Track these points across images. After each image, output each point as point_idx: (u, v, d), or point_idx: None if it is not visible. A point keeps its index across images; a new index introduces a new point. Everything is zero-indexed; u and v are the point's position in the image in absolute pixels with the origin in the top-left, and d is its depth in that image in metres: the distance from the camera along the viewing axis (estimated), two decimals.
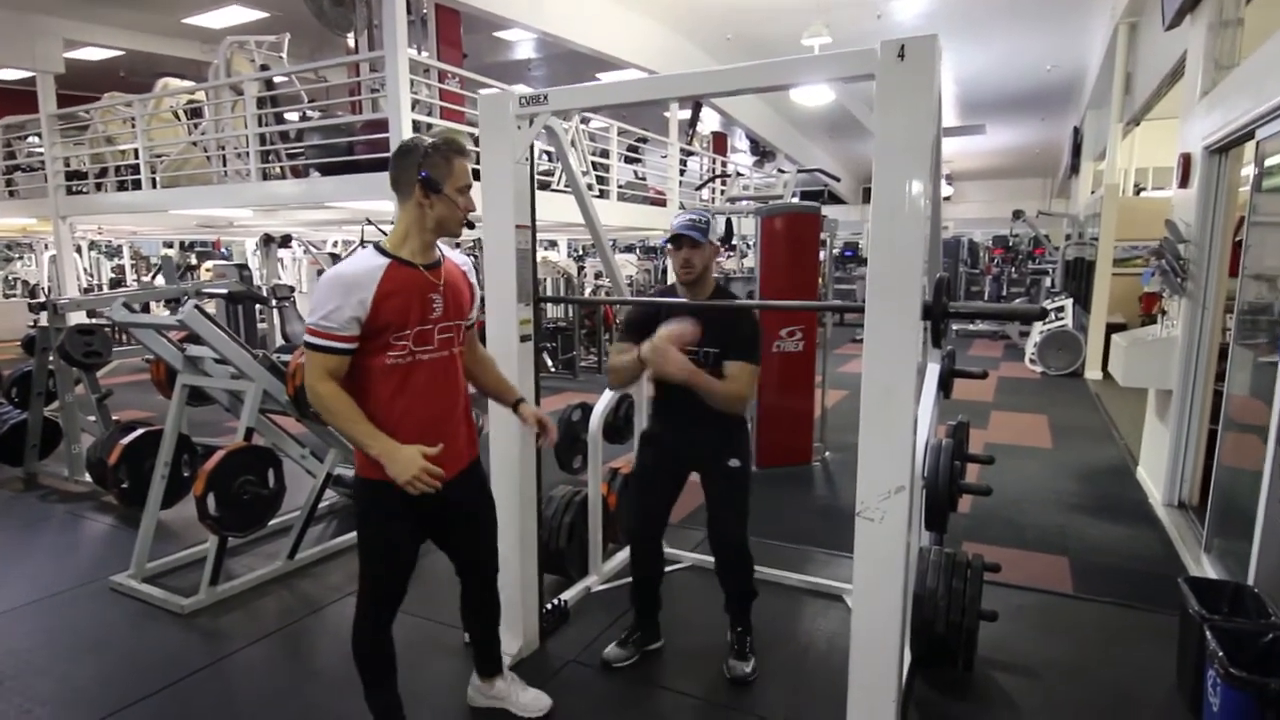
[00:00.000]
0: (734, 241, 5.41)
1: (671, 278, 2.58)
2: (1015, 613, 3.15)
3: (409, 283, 1.97)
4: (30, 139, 9.76)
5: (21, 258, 14.29)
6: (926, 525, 2.63)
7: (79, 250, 13.44)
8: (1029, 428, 6.41)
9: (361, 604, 2.16)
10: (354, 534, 3.96)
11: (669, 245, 2.50)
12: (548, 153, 8.17)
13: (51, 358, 4.64)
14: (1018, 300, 12.88)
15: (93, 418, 4.86)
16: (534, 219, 2.67)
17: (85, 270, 12.56)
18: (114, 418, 4.84)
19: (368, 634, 2.17)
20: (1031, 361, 9.34)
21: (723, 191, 9.65)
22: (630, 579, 2.82)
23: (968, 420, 3.07)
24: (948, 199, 21.12)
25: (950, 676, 2.63)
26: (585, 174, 8.23)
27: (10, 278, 14.53)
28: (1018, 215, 12.04)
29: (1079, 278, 10.21)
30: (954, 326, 13.51)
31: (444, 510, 2.13)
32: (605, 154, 8.89)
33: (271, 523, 3.82)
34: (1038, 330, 9.48)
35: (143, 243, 16.13)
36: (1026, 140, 16.59)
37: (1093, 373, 8.63)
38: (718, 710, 2.51)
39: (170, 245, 17.21)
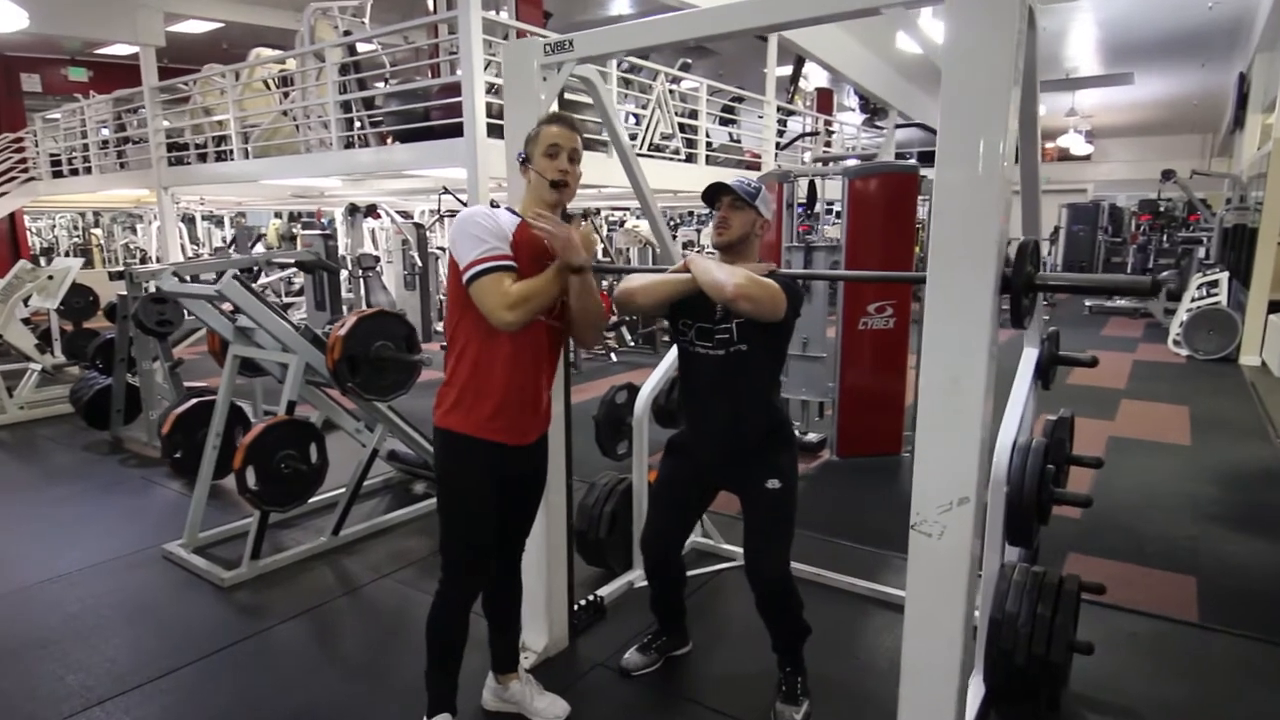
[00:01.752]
0: (818, 208, 5.04)
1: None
2: (1124, 642, 2.77)
3: (533, 243, 2.03)
4: (141, 111, 10.40)
5: (133, 228, 15.38)
6: (1009, 539, 2.31)
7: (192, 221, 14.36)
8: (1165, 420, 5.76)
9: (445, 578, 2.14)
10: (403, 511, 3.99)
11: (706, 200, 2.24)
12: (636, 115, 8.00)
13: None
14: (1166, 273, 11.72)
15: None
16: None
17: (194, 240, 13.35)
18: (186, 385, 5.05)
19: (448, 611, 2.15)
20: (1176, 343, 8.46)
21: (810, 149, 9.16)
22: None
23: (1071, 415, 2.69)
24: (1087, 158, 19.48)
25: (1032, 716, 2.32)
26: (671, 136, 7.97)
27: (132, 246, 15.67)
28: (1167, 176, 10.87)
29: (1238, 248, 9.14)
30: (1087, 303, 12.50)
31: (516, 477, 2.17)
32: (694, 114, 8.59)
33: (324, 495, 3.89)
34: (1185, 308, 8.57)
35: (251, 213, 17.06)
36: (1182, 90, 14.96)
37: (1249, 358, 7.70)
38: None
39: (279, 215, 18.18)
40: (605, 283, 8.33)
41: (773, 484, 2.24)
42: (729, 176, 2.27)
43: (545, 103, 2.38)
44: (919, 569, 1.79)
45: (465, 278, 1.94)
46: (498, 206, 2.07)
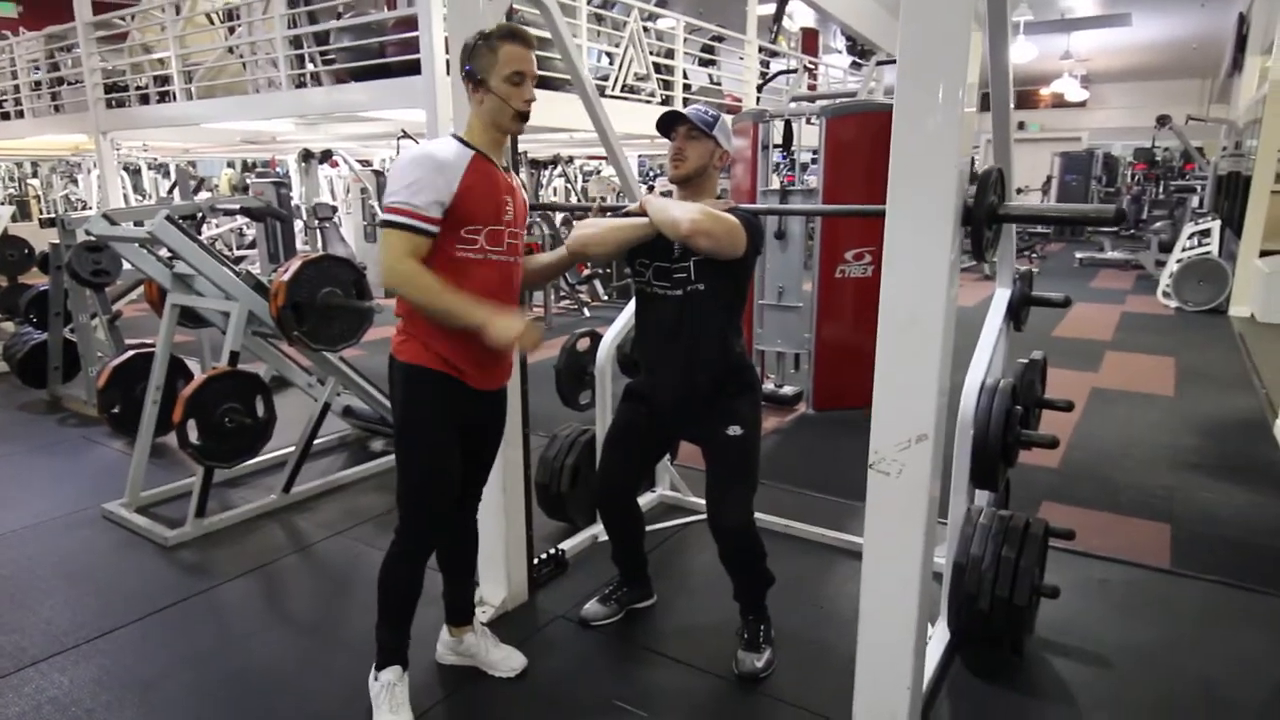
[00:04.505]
0: (803, 157, 4.96)
1: None
2: (1094, 588, 2.84)
3: (490, 178, 1.98)
4: (75, 50, 10.06)
5: (73, 178, 15.00)
6: (974, 481, 2.34)
7: (138, 171, 14.01)
8: (1149, 371, 5.85)
9: (403, 529, 2.10)
10: (359, 468, 3.98)
11: (661, 130, 2.21)
12: (609, 55, 7.85)
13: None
14: (1159, 224, 11.83)
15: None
16: None
17: (139, 191, 13.03)
18: (127, 341, 4.96)
19: (403, 565, 2.12)
20: (1165, 295, 8.56)
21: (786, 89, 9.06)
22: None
23: (1043, 357, 2.71)
24: (1082, 105, 19.45)
25: (997, 660, 2.38)
26: (646, 78, 7.86)
27: (73, 198, 15.30)
28: (1162, 121, 10.88)
29: (1232, 196, 9.21)
30: (1078, 255, 12.59)
31: (477, 425, 2.14)
32: (671, 54, 8.46)
33: (276, 453, 3.88)
34: (1175, 258, 8.66)
35: (202, 162, 16.68)
36: (1181, 32, 14.92)
37: (1239, 309, 7.81)
38: (711, 680, 2.35)
39: (232, 165, 17.78)
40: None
41: (733, 431, 2.24)
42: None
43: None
44: (877, 508, 1.82)
45: (382, 214, 1.89)
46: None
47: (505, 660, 2.37)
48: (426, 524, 2.11)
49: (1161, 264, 9.63)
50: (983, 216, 1.71)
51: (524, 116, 1.99)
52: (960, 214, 1.68)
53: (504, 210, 2.01)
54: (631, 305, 3.17)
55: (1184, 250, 8.54)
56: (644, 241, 2.17)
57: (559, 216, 8.91)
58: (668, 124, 2.19)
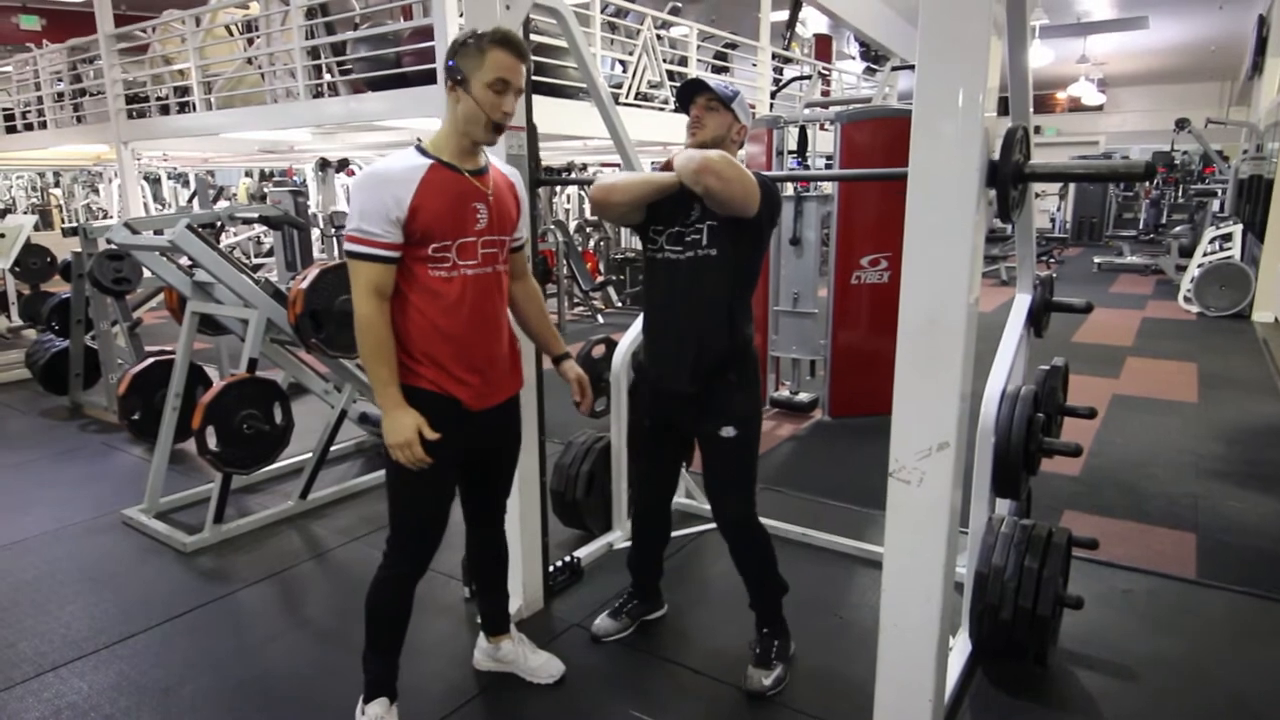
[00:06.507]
0: (809, 156, 4.92)
1: None
2: (1118, 599, 2.79)
3: (451, 187, 1.87)
4: (97, 61, 10.19)
5: (94, 188, 15.18)
6: (996, 490, 2.31)
7: (157, 181, 14.17)
8: (1172, 378, 5.77)
9: (391, 552, 2.05)
10: (375, 475, 3.98)
11: (680, 102, 2.17)
12: (622, 63, 7.87)
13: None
14: (1179, 228, 11.71)
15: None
16: (530, 119, 2.45)
17: (159, 200, 13.17)
18: (148, 349, 5.00)
19: (390, 589, 2.07)
20: (1186, 300, 8.46)
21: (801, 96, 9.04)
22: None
23: (1065, 363, 2.67)
24: (1099, 109, 19.30)
25: (1020, 672, 2.34)
26: (660, 85, 7.87)
27: (94, 207, 15.47)
28: (1181, 125, 10.79)
29: (1254, 200, 9.10)
30: (1096, 260, 12.47)
31: (480, 445, 2.08)
32: (684, 62, 8.48)
33: (293, 459, 3.90)
34: (1196, 263, 8.56)
35: (220, 172, 16.85)
36: (1199, 35, 14.76)
37: (1263, 314, 7.71)
38: (729, 690, 2.31)
39: (250, 174, 17.95)
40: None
41: (727, 432, 2.20)
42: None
43: None
44: (898, 518, 1.79)
45: (345, 245, 1.84)
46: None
47: (544, 666, 2.35)
48: (415, 550, 2.04)
49: (1182, 269, 9.52)
50: (1009, 175, 1.67)
51: (499, 129, 1.89)
52: (985, 173, 1.63)
53: (474, 219, 1.90)
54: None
55: (1205, 255, 8.44)
56: (666, 194, 2.11)
57: (573, 224, 8.93)
58: (688, 93, 2.15)
